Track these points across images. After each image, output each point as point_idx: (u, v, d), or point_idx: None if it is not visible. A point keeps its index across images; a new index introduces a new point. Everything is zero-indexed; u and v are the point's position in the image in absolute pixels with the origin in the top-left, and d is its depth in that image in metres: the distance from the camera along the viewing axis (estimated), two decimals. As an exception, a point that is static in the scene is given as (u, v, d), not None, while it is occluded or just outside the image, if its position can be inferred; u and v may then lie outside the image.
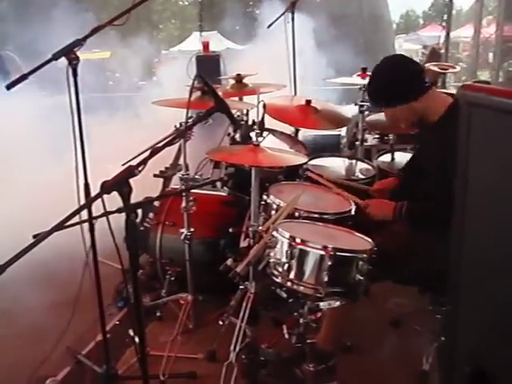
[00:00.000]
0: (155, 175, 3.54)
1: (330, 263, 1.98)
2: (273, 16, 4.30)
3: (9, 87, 2.11)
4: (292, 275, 2.04)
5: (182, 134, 2.05)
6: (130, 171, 1.61)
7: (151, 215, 3.25)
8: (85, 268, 2.30)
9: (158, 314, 3.06)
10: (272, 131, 3.40)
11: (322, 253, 1.99)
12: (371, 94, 2.48)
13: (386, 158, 3.54)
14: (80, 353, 2.72)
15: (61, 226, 1.51)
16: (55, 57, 2.10)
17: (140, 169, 1.64)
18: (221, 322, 2.62)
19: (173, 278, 3.06)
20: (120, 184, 1.58)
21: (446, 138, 2.33)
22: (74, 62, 2.11)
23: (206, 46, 6.13)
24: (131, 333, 2.74)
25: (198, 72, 5.29)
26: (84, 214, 1.88)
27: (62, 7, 7.85)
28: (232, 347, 2.43)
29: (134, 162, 1.67)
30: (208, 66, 5.70)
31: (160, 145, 1.81)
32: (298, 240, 2.03)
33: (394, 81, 2.35)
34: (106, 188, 1.57)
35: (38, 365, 2.57)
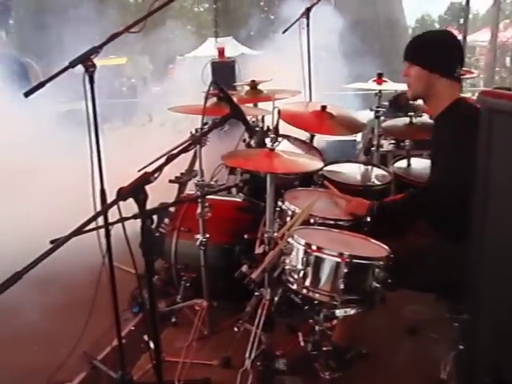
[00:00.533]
0: (170, 181, 3.56)
1: (346, 270, 1.97)
2: (288, 21, 4.30)
3: (27, 95, 2.13)
4: (308, 282, 2.04)
5: (197, 140, 2.06)
6: (146, 178, 1.62)
7: (166, 221, 3.26)
8: (101, 273, 2.31)
9: (173, 319, 3.06)
10: (287, 137, 3.39)
11: (338, 260, 1.98)
12: (412, 41, 2.47)
13: (402, 163, 3.50)
14: (96, 358, 2.73)
15: (77, 233, 1.52)
16: (72, 64, 2.12)
17: (156, 176, 1.65)
18: (236, 329, 2.61)
19: (188, 284, 3.06)
20: (136, 191, 1.59)
21: (438, 137, 2.36)
22: (90, 70, 2.12)
23: (221, 52, 6.15)
24: (146, 338, 2.74)
25: (214, 78, 5.34)
26: (100, 220, 1.90)
27: (80, 13, 7.94)
28: (247, 354, 2.41)
29: (150, 169, 1.68)
30: (223, 71, 5.72)
31: (175, 151, 1.81)
32: (313, 247, 2.02)
33: (437, 43, 2.38)
34: (122, 195, 1.58)
35: (54, 370, 2.57)
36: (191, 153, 3.33)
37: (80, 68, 2.11)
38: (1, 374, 2.70)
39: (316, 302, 2.11)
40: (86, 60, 2.12)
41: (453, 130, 2.25)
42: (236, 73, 5.83)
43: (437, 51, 2.35)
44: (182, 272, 3.08)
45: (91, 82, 2.14)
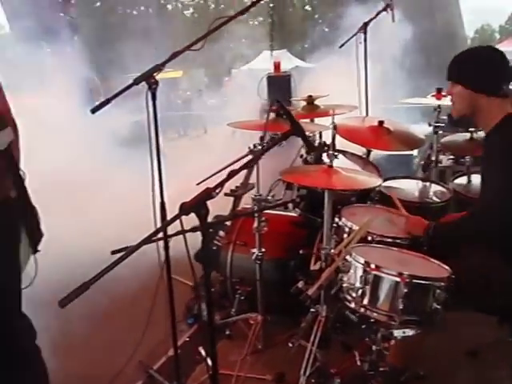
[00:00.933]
0: (226, 194, 3.58)
1: (405, 290, 1.94)
2: (343, 33, 4.29)
3: (93, 111, 2.20)
4: (366, 301, 2.02)
5: (257, 157, 2.07)
6: (208, 193, 1.65)
7: (222, 233, 3.29)
8: (158, 284, 2.35)
9: (228, 332, 3.07)
10: (343, 152, 3.38)
11: (398, 279, 1.96)
12: (454, 60, 2.39)
13: (462, 180, 3.42)
14: (152, 367, 2.77)
15: (140, 245, 1.57)
16: (136, 82, 2.19)
17: (217, 191, 1.69)
18: (290, 344, 2.60)
19: (242, 298, 3.08)
20: (198, 206, 1.63)
21: (488, 152, 2.28)
22: (153, 87, 2.19)
23: (277, 66, 6.18)
24: (202, 350, 2.78)
25: (273, 94, 5.37)
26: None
27: (140, 30, 8.21)
28: (302, 371, 2.40)
29: (209, 182, 1.72)
30: (279, 85, 5.73)
31: (236, 168, 1.84)
32: (372, 265, 2.00)
33: (479, 63, 2.30)
34: (185, 210, 1.62)
35: (111, 378, 2.63)
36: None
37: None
38: (58, 381, 2.78)
39: (373, 321, 2.08)
40: (149, 77, 2.19)
41: (505, 144, 2.18)
42: (292, 87, 5.84)
43: (480, 70, 2.28)
44: (237, 285, 3.10)
45: (153, 98, 2.20)
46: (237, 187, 3.70)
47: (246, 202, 3.45)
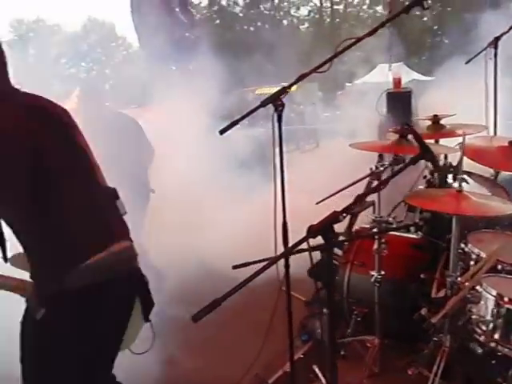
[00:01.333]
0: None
1: (543, 328, 1.81)
2: (464, 45, 4.09)
3: (222, 132, 2.30)
4: (497, 335, 1.92)
5: (385, 182, 2.03)
6: (335, 217, 1.67)
7: (338, 251, 3.27)
8: (277, 300, 2.40)
9: (343, 352, 3.03)
10: (468, 173, 3.23)
11: (534, 315, 1.84)
12: None
13: None
14: (267, 382, 2.82)
15: (266, 268, 1.62)
16: (263, 104, 2.26)
17: (344, 215, 1.70)
18: (410, 372, 2.52)
19: (359, 319, 3.04)
20: (325, 229, 1.66)
21: None
22: (279, 109, 2.24)
23: (397, 82, 6.03)
24: (316, 369, 2.78)
25: (392, 111, 5.26)
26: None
27: (259, 46, 8.41)
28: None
29: (329, 201, 1.73)
30: (399, 102, 5.55)
31: (362, 192, 1.84)
32: (506, 299, 1.90)
33: None
34: (312, 232, 1.65)
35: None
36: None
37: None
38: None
39: (503, 355, 1.96)
40: (276, 99, 2.24)
41: None
42: (412, 104, 5.64)
43: None
44: (354, 306, 3.07)
45: (279, 120, 2.25)
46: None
47: (363, 219, 3.39)
